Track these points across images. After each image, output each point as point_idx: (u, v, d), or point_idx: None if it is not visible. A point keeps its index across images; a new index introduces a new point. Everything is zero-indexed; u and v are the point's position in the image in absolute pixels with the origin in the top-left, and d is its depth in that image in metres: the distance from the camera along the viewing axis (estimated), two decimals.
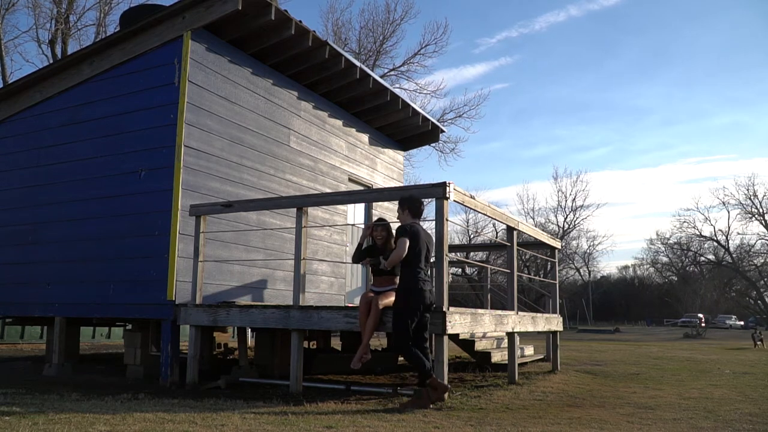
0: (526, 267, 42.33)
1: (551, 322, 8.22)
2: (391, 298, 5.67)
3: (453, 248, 12.10)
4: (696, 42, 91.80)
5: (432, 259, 5.53)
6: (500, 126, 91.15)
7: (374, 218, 10.17)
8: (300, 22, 7.49)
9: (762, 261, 53.20)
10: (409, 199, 5.45)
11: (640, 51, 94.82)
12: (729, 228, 58.18)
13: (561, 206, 52.53)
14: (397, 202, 5.58)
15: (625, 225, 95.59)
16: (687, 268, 58.18)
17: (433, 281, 5.36)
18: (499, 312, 6.58)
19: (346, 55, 8.53)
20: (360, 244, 5.90)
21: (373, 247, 5.93)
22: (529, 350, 9.53)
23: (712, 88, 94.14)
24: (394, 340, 5.22)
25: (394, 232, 5.88)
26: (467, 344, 8.03)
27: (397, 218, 5.51)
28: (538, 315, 7.88)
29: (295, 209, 6.18)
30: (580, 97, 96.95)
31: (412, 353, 5.03)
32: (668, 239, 58.07)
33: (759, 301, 54.61)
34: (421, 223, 5.52)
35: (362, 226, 10.08)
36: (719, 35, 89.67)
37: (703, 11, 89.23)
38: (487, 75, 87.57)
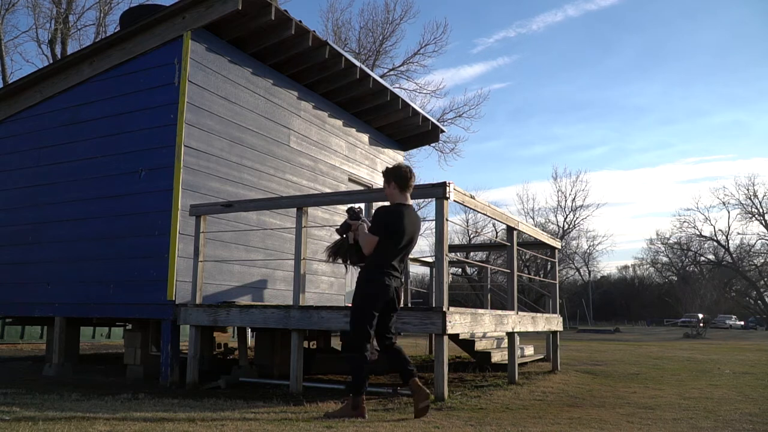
0: (526, 267, 42.32)
1: (551, 322, 8.22)
2: None
3: (453, 248, 12.10)
4: (694, 40, 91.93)
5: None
6: (497, 125, 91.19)
7: None
8: (300, 22, 7.49)
9: (762, 261, 53.27)
10: (394, 170, 4.72)
11: (638, 49, 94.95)
12: (729, 228, 58.26)
13: (561, 206, 52.62)
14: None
15: (624, 225, 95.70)
16: (687, 268, 58.15)
17: (433, 281, 5.33)
18: (499, 312, 6.58)
19: (346, 55, 8.53)
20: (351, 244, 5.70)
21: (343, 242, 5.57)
22: (529, 350, 9.53)
23: (711, 86, 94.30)
24: (347, 337, 4.70)
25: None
26: (467, 344, 8.03)
27: (385, 193, 4.81)
28: (538, 315, 7.88)
29: (295, 209, 6.19)
30: (578, 95, 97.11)
31: (356, 359, 4.48)
32: (668, 239, 58.14)
33: (759, 301, 54.61)
34: (411, 202, 4.75)
35: None
36: (718, 33, 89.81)
37: (701, 9, 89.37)
38: (485, 75, 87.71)
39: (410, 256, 10.04)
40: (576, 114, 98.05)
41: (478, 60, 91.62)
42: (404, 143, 11.78)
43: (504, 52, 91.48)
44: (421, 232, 4.96)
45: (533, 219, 49.04)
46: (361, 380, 4.50)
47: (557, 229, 47.93)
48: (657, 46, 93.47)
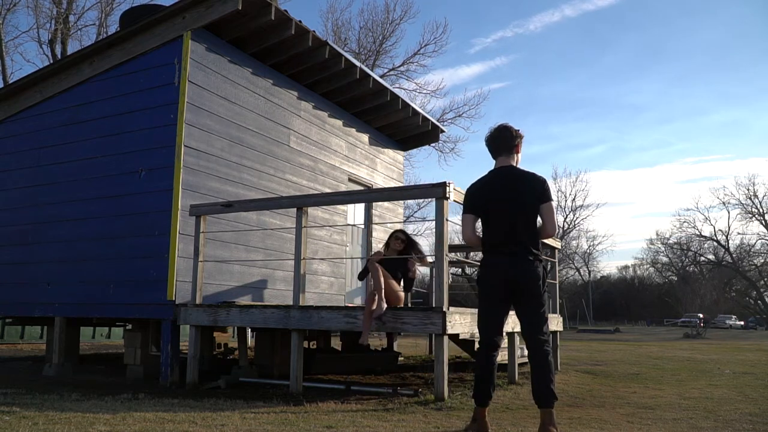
0: None
1: (551, 322, 8.22)
2: (392, 283, 5.89)
3: (453, 248, 12.03)
4: (693, 39, 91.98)
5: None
6: (493, 124, 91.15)
7: (374, 218, 10.20)
8: (300, 22, 7.49)
9: (762, 261, 53.25)
10: (486, 138, 4.18)
11: (636, 48, 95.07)
12: (729, 228, 58.31)
13: (561, 206, 52.70)
14: (396, 203, 5.53)
15: (624, 225, 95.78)
16: (687, 268, 58.19)
17: (433, 281, 5.33)
18: None
19: (346, 55, 8.53)
20: (365, 268, 6.21)
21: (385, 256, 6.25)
22: None
23: (710, 85, 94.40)
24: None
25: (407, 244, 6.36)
26: (467, 344, 8.01)
27: None
28: None
29: (295, 209, 6.19)
30: (576, 94, 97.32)
31: (476, 363, 4.08)
32: (668, 239, 58.16)
33: (759, 301, 54.60)
34: (516, 161, 4.12)
35: (362, 226, 10.09)
36: (717, 32, 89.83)
37: (700, 7, 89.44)
38: (482, 75, 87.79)
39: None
40: (574, 113, 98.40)
41: (475, 60, 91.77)
42: (404, 143, 11.78)
43: (502, 52, 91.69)
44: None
45: None
46: (476, 386, 3.95)
47: (557, 229, 47.94)
48: (655, 45, 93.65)
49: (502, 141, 4.09)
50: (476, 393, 3.95)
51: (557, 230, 4.14)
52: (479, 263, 4.12)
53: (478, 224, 4.17)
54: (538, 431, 3.78)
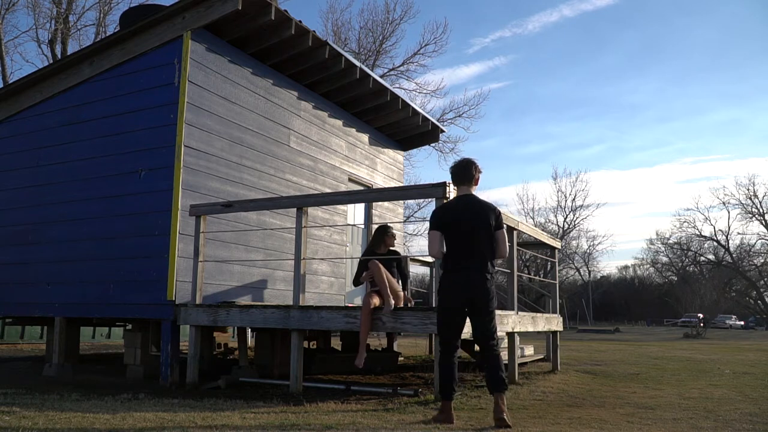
0: (526, 267, 42.33)
1: (551, 322, 8.22)
2: (393, 282, 5.87)
3: None
4: (691, 37, 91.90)
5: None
6: (491, 123, 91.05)
7: (374, 218, 10.20)
8: (300, 22, 7.49)
9: (762, 261, 53.17)
10: (451, 168, 4.83)
11: (635, 47, 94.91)
12: (729, 228, 58.22)
13: (561, 206, 52.77)
14: (396, 203, 5.59)
15: (624, 225, 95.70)
16: (687, 268, 58.14)
17: (433, 281, 5.33)
18: (499, 312, 6.56)
19: (346, 55, 8.53)
20: (359, 273, 6.10)
21: (373, 251, 6.17)
22: (529, 350, 9.53)
23: (708, 84, 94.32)
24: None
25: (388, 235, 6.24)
26: (467, 344, 8.02)
27: None
28: (538, 315, 7.87)
29: (295, 209, 6.19)
30: (574, 93, 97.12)
31: (438, 362, 4.66)
32: (668, 239, 58.08)
33: (759, 301, 54.57)
34: (474, 190, 4.75)
35: (362, 226, 10.09)
36: (715, 30, 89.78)
37: (697, 6, 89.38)
38: (481, 75, 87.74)
39: (416, 258, 10.09)
40: (572, 112, 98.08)
41: (474, 60, 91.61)
42: (404, 143, 11.78)
43: (500, 52, 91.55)
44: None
45: (533, 219, 49.09)
46: (442, 383, 4.48)
47: (557, 229, 47.98)
48: (654, 44, 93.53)
49: (466, 173, 4.72)
50: (442, 389, 4.49)
51: (507, 254, 4.93)
52: (441, 278, 4.63)
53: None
54: (493, 412, 4.30)
